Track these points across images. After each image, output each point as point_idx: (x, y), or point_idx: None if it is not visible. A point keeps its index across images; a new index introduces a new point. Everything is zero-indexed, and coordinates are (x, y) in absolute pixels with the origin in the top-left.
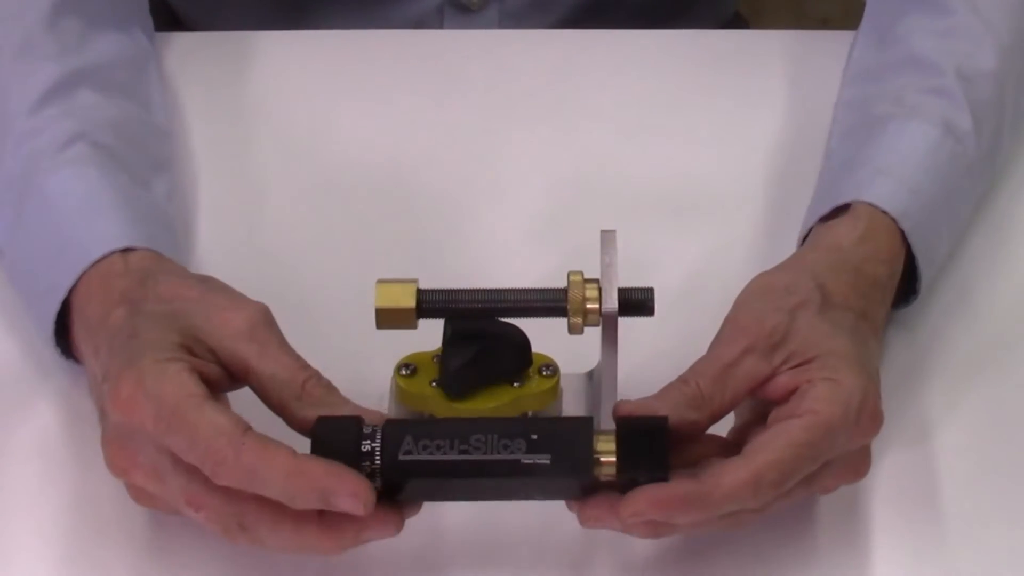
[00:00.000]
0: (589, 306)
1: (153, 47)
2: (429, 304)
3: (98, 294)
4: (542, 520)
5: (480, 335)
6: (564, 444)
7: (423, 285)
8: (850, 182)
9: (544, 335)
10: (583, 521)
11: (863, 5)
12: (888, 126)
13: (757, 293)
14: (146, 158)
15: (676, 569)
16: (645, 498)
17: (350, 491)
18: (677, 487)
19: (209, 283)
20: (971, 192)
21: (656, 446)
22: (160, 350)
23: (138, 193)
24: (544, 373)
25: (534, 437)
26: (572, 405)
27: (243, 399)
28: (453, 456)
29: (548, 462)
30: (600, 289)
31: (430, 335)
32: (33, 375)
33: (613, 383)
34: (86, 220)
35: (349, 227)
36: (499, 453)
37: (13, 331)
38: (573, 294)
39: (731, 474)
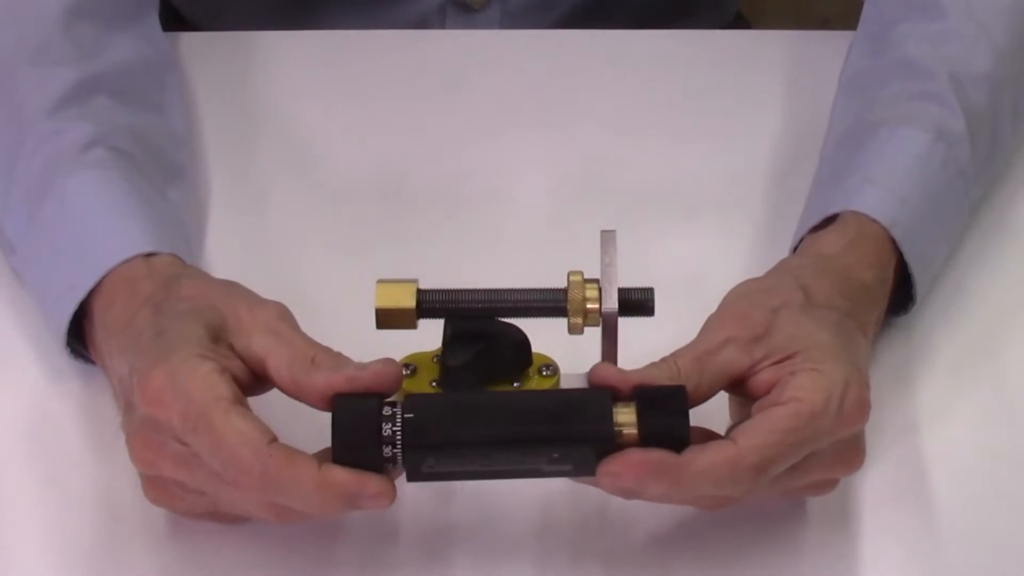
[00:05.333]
0: (589, 306)
1: (169, 47)
2: (429, 304)
3: (121, 298)
4: (537, 513)
5: (480, 335)
6: (584, 457)
7: (423, 285)
8: (840, 192)
9: (544, 335)
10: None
11: (863, 6)
12: (878, 133)
13: (741, 294)
14: (162, 166)
15: (665, 564)
16: (621, 460)
17: (374, 493)
18: (655, 455)
19: (230, 286)
20: (966, 196)
21: (677, 409)
22: (190, 345)
23: (157, 200)
24: (544, 373)
25: (555, 455)
26: None
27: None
28: (477, 468)
29: (570, 469)
30: (600, 289)
31: (430, 335)
32: (45, 376)
33: None
34: (109, 222)
35: (349, 227)
36: (520, 465)
37: (24, 332)
38: (573, 294)
39: (710, 453)
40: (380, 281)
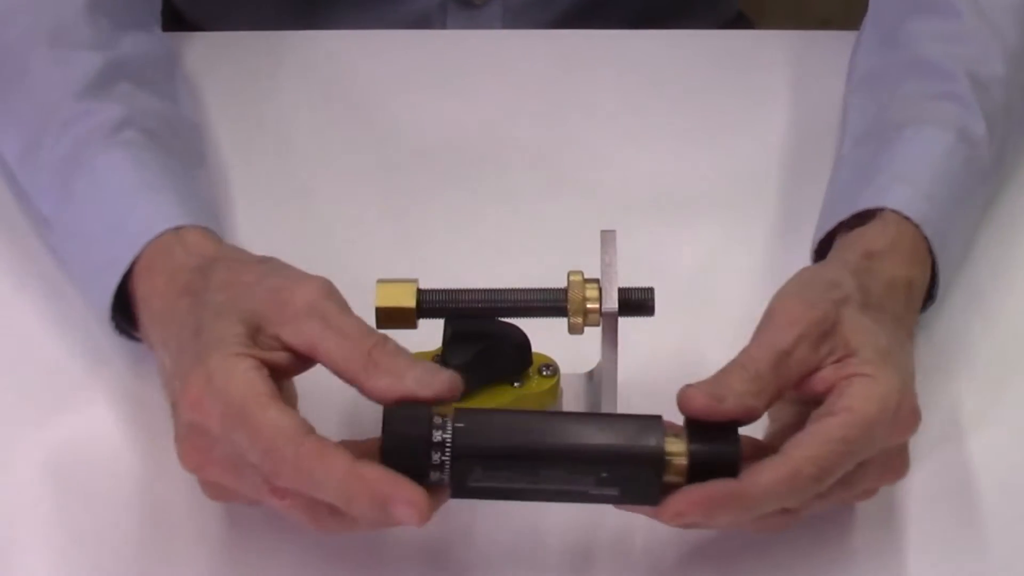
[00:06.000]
0: (589, 306)
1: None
2: (429, 304)
3: (160, 281)
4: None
5: (480, 335)
6: (632, 478)
7: (423, 285)
8: (869, 189)
9: (544, 335)
10: (620, 507)
11: (864, 5)
12: (903, 132)
13: (804, 282)
14: (188, 150)
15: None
16: (685, 499)
17: (406, 499)
18: (716, 487)
19: (267, 264)
20: (983, 197)
21: (728, 439)
22: (227, 345)
23: (189, 179)
24: (544, 373)
25: (604, 475)
26: (572, 405)
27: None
28: (523, 485)
29: (617, 494)
30: (600, 289)
31: (430, 335)
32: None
33: (613, 383)
34: (144, 197)
35: (350, 226)
36: (567, 485)
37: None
38: (573, 294)
39: (769, 472)
40: (380, 281)
